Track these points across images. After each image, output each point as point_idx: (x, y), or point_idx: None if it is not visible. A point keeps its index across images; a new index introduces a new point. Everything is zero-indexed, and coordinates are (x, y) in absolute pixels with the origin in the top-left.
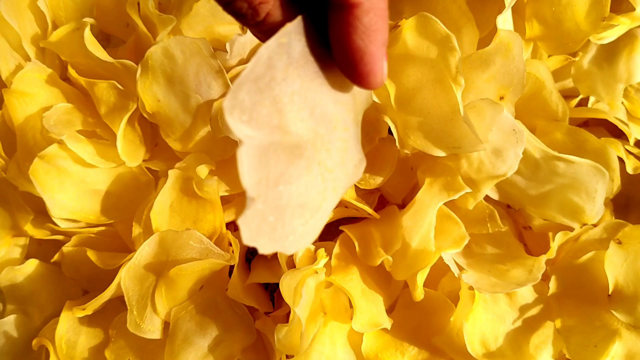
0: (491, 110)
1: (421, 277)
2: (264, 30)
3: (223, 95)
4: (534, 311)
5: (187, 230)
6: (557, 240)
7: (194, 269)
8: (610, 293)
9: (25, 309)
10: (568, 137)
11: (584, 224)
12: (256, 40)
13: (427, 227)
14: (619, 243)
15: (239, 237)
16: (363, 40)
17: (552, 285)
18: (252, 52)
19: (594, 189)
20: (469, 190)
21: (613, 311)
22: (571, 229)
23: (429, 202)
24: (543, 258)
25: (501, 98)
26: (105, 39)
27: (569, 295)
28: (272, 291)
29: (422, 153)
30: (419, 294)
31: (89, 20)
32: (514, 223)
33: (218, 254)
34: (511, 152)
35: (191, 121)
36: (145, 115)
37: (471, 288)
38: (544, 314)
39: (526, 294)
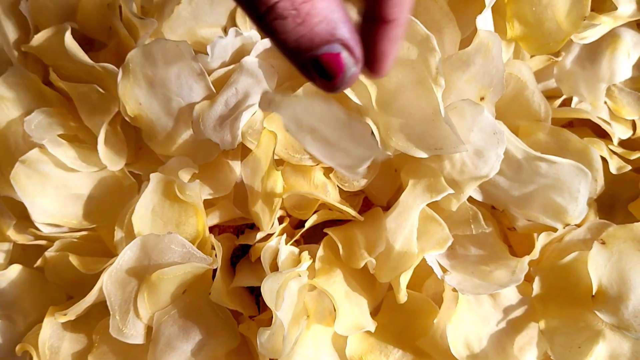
0: (472, 110)
1: (404, 279)
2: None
3: (205, 98)
4: (518, 312)
5: (169, 234)
6: (541, 240)
7: (176, 273)
8: (593, 294)
9: (9, 315)
10: (550, 137)
11: (567, 225)
12: (238, 43)
13: (410, 228)
14: (603, 243)
15: (221, 241)
16: (388, 47)
17: (536, 286)
18: (234, 55)
19: (576, 189)
20: (451, 191)
21: (597, 312)
22: (555, 230)
23: (412, 203)
24: (526, 259)
25: (482, 99)
26: (88, 43)
27: (552, 296)
28: (257, 295)
29: (405, 154)
30: (402, 296)
31: (70, 24)
32: (499, 224)
33: (200, 258)
34: (492, 153)
35: (173, 124)
36: (127, 119)
37: (454, 290)
38: (528, 316)
39: (510, 295)
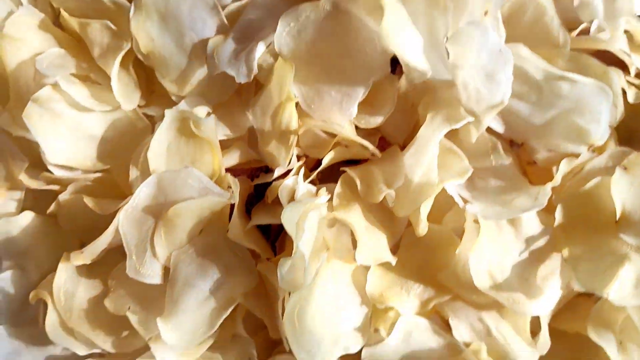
0: (477, 32)
1: (425, 209)
2: None
3: (218, 32)
4: (540, 242)
5: (185, 169)
6: (562, 167)
7: (193, 209)
8: (617, 218)
9: (21, 264)
10: (570, 63)
11: (591, 146)
12: None
13: (430, 159)
14: (625, 169)
15: (239, 180)
16: None
17: (558, 215)
18: None
19: (598, 109)
20: (471, 119)
21: (622, 235)
22: (577, 155)
23: (431, 135)
24: (548, 185)
25: (485, 13)
26: None
27: (575, 224)
28: (273, 241)
29: (422, 88)
30: (422, 228)
31: None
32: (518, 159)
33: (218, 193)
34: (502, 75)
35: (187, 61)
36: (139, 56)
37: (476, 221)
38: (550, 245)
39: (532, 225)
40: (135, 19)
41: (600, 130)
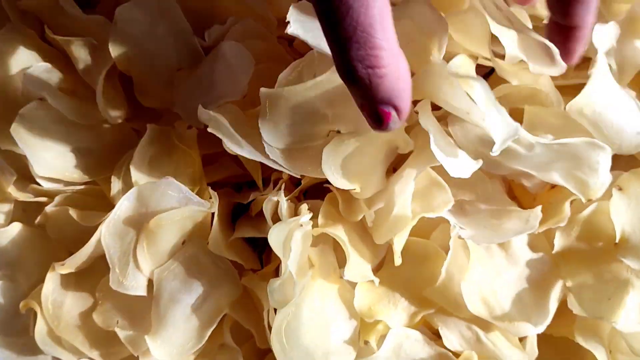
0: None
1: (399, 242)
2: None
3: (192, 59)
4: (536, 268)
5: (165, 179)
6: (567, 206)
7: (174, 219)
8: (617, 240)
9: (11, 275)
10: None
11: (589, 200)
12: None
13: (408, 192)
14: (620, 189)
15: (220, 196)
16: (575, 46)
17: (557, 242)
18: None
19: (595, 161)
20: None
21: (622, 258)
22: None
23: (414, 167)
24: (539, 208)
25: None
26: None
27: (574, 251)
28: (260, 252)
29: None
30: (397, 260)
31: None
32: (505, 182)
33: (198, 202)
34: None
35: (163, 84)
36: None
37: (460, 237)
38: (548, 271)
39: (523, 249)
40: (113, 42)
41: (599, 182)
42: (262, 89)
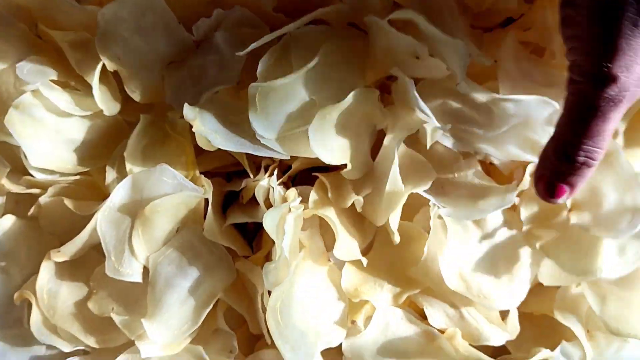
0: None
1: (394, 220)
2: None
3: (182, 50)
4: (508, 240)
5: (160, 166)
6: (529, 170)
7: (169, 205)
8: (569, 208)
9: (4, 267)
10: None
11: None
12: None
13: (394, 168)
14: None
15: (212, 184)
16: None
17: (523, 213)
18: None
19: (547, 122)
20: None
21: (576, 221)
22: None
23: (392, 142)
24: (514, 183)
25: None
26: None
27: (540, 220)
28: (250, 239)
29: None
30: (395, 239)
31: None
32: (480, 162)
33: (192, 188)
34: None
35: (155, 76)
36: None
37: (440, 217)
38: (518, 241)
39: (498, 224)
40: (99, 44)
41: None
42: (251, 85)
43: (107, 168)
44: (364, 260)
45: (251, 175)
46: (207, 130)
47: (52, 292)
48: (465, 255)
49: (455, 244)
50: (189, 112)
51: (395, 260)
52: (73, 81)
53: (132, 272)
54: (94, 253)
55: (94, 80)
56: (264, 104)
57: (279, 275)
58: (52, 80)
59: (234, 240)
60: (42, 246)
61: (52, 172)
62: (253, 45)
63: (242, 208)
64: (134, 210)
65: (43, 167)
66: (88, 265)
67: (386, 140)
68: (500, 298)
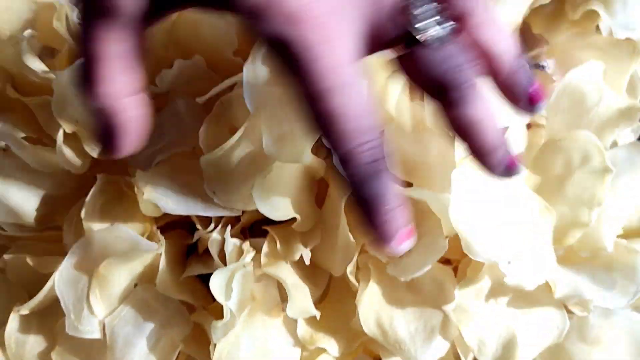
0: None
1: (351, 271)
2: None
3: None
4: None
5: (113, 226)
6: None
7: (123, 262)
8: None
9: None
10: None
11: None
12: None
13: (342, 223)
14: None
15: (173, 237)
16: None
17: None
18: None
19: None
20: None
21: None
22: None
23: (338, 195)
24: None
25: None
26: (50, 53)
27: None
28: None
29: None
30: (353, 286)
31: (27, 33)
32: None
33: (146, 245)
34: None
35: None
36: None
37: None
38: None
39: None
40: (56, 106)
41: None
42: (202, 158)
43: (65, 227)
44: (317, 314)
45: (200, 229)
46: (158, 196)
47: (20, 342)
48: (387, 305)
49: (377, 293)
50: (141, 179)
51: (341, 310)
52: (44, 137)
53: (91, 330)
54: (58, 305)
55: (58, 142)
56: (217, 175)
57: (226, 331)
58: (23, 137)
59: (192, 292)
60: (11, 297)
61: (21, 226)
62: (203, 98)
63: (199, 259)
64: (91, 269)
65: (11, 221)
66: (54, 318)
67: (330, 190)
68: (417, 354)
